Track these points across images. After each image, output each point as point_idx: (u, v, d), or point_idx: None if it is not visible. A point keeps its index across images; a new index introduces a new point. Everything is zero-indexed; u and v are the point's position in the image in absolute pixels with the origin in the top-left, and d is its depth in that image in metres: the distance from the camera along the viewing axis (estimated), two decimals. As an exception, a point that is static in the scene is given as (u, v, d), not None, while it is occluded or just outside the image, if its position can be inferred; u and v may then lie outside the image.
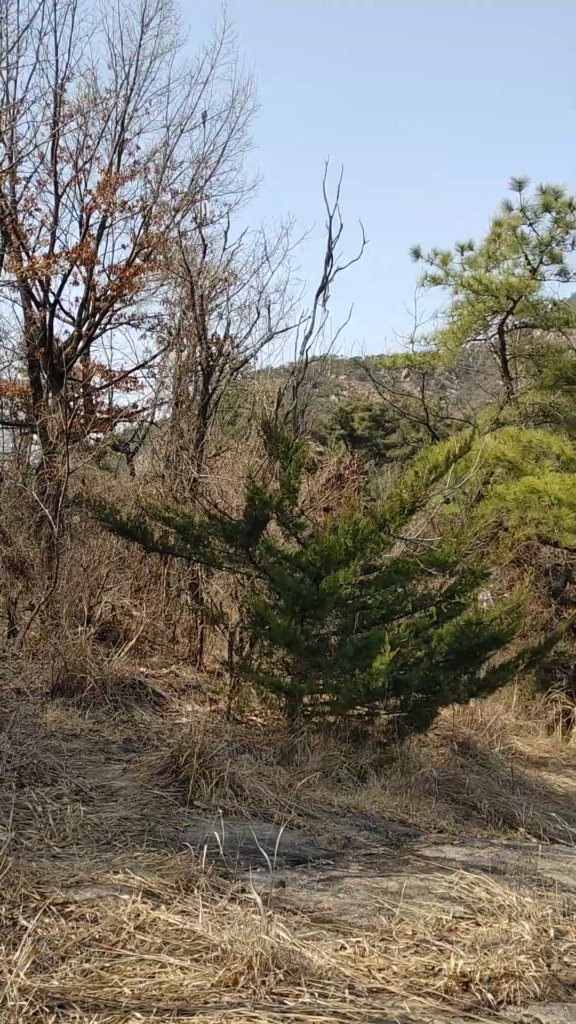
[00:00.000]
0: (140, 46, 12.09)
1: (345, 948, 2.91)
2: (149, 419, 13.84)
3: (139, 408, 13.69)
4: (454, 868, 3.94)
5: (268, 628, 5.68)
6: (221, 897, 3.20)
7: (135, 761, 5.13)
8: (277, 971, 2.58)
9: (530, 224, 13.86)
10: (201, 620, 7.47)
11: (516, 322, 14.51)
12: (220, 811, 4.32)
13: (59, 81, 11.44)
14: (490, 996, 2.67)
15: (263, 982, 2.52)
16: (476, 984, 2.72)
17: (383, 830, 4.68)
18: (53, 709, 5.84)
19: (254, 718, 6.30)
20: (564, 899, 3.65)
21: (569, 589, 15.53)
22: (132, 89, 12.03)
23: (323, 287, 10.51)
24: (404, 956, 2.91)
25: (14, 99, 11.16)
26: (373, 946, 2.95)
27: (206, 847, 3.52)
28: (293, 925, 3.03)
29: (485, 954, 2.92)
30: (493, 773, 6.96)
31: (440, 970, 2.80)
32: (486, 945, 3.00)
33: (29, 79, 12.96)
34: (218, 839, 3.69)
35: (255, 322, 11.21)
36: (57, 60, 11.38)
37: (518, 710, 10.77)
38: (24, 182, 11.40)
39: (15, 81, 11.35)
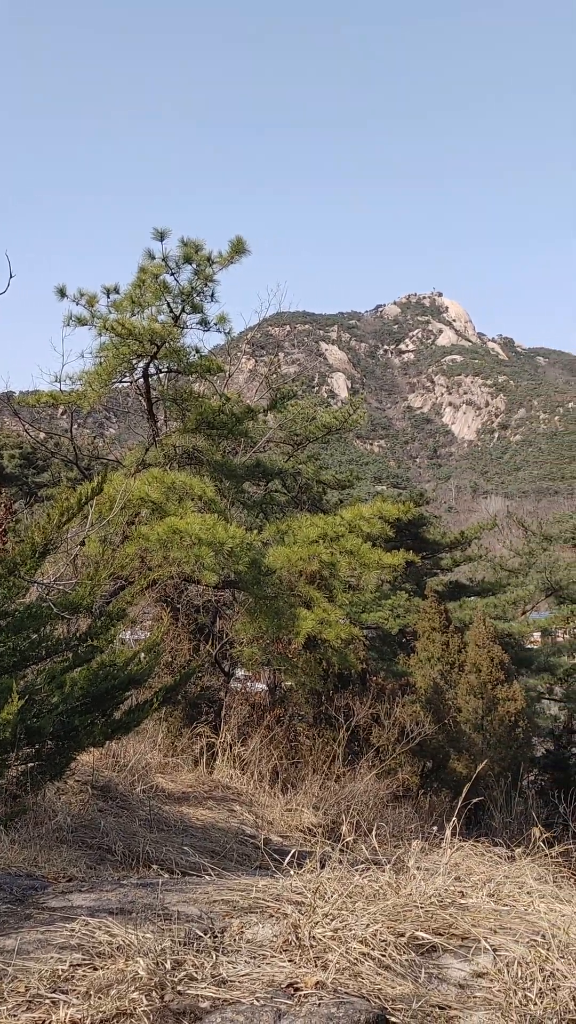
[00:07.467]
0: None
1: (-51, 1020, 2.77)
2: None
3: None
4: (78, 915, 3.89)
5: None
6: None
7: None
8: None
9: (172, 274, 14.37)
10: None
11: (162, 367, 14.93)
12: None
13: None
14: (100, 1039, 2.68)
15: None
16: (86, 1030, 2.72)
17: (7, 887, 4.50)
18: None
19: None
20: (186, 929, 3.76)
21: (220, 624, 16.20)
22: None
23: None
24: (14, 1016, 2.82)
25: None
26: (-19, 1012, 2.84)
27: None
28: None
29: (99, 998, 2.93)
30: (133, 814, 7.00)
31: (51, 1023, 2.77)
32: (101, 988, 3.01)
33: None
34: None
35: None
36: None
37: (165, 747, 10.94)
38: None
39: None
